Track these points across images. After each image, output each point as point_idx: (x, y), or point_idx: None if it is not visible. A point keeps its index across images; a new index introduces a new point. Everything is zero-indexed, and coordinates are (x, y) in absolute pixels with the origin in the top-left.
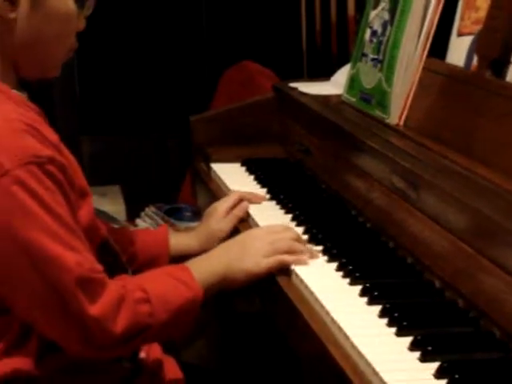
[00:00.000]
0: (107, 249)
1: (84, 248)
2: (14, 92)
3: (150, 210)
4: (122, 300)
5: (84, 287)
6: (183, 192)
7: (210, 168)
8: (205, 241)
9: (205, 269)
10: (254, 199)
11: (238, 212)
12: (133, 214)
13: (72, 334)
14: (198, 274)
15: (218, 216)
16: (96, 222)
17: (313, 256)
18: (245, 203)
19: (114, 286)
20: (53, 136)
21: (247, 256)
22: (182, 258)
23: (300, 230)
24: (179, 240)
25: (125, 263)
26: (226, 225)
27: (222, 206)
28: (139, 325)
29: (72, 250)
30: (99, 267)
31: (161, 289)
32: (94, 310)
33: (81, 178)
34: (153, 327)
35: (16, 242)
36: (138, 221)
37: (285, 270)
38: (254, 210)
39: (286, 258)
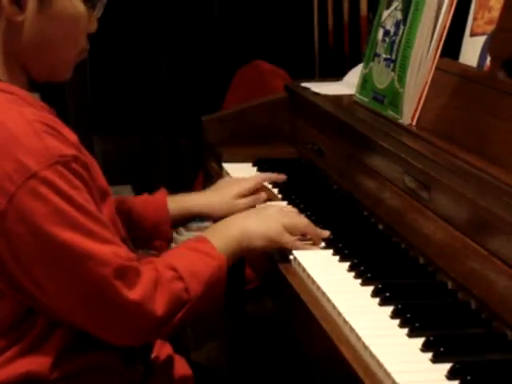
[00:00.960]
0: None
1: (116, 239)
2: (26, 93)
3: None
4: (157, 282)
5: (122, 277)
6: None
7: (221, 168)
8: (215, 207)
9: (222, 235)
10: (275, 178)
11: (253, 201)
12: None
13: (117, 324)
14: (216, 242)
15: (235, 192)
16: (117, 222)
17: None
18: (263, 195)
19: (148, 271)
20: (72, 136)
21: (265, 221)
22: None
23: None
24: (192, 202)
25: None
26: (241, 204)
27: (240, 185)
28: (178, 302)
29: (107, 243)
30: (133, 255)
31: (188, 263)
32: (134, 295)
33: (101, 178)
34: (190, 301)
35: (51, 244)
36: None
37: (297, 272)
38: None
39: (292, 243)
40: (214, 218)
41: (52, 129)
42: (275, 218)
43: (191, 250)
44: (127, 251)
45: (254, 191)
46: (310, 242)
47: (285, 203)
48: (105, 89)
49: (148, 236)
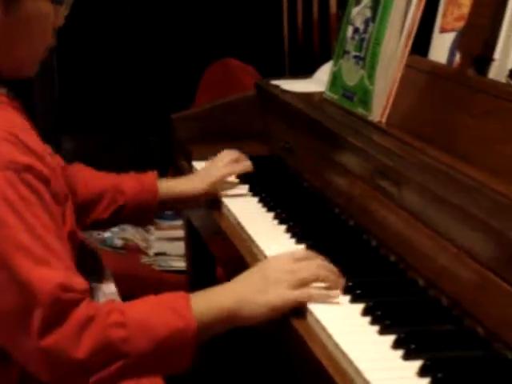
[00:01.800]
0: (84, 249)
1: (60, 263)
2: None
3: None
4: (88, 322)
5: (46, 311)
6: None
7: (191, 166)
8: (199, 181)
9: (211, 301)
10: (244, 158)
11: (240, 166)
12: None
13: (33, 360)
14: (201, 305)
15: (218, 164)
16: (76, 227)
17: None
18: (248, 162)
19: (84, 308)
20: (36, 144)
21: (269, 287)
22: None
23: (282, 228)
24: (176, 184)
25: (101, 261)
26: (224, 170)
27: (224, 158)
28: (111, 351)
29: (43, 265)
30: (76, 282)
31: (144, 313)
32: (47, 341)
33: (63, 186)
34: (130, 356)
35: None
36: None
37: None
38: (235, 206)
39: (315, 293)
40: (200, 195)
41: (13, 135)
42: (281, 277)
43: (160, 301)
44: (68, 277)
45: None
46: (325, 293)
47: (255, 200)
48: (73, 87)
49: (136, 216)
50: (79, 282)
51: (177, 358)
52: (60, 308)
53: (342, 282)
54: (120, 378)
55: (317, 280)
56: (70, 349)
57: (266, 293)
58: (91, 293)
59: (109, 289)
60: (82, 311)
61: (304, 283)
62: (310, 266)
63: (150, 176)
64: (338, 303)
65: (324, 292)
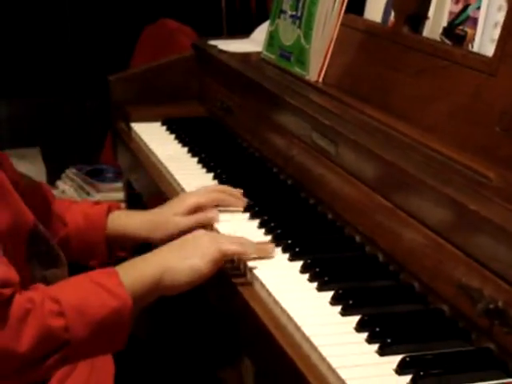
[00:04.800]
0: (38, 237)
1: None
2: None
3: (71, 171)
4: (26, 315)
5: None
6: (104, 153)
7: (130, 128)
8: (153, 228)
9: (138, 272)
10: (235, 192)
11: (203, 218)
12: (53, 175)
13: None
14: (128, 279)
15: (182, 208)
16: (21, 214)
17: (267, 252)
18: (215, 213)
19: (21, 300)
20: None
21: (190, 253)
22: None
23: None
24: (128, 222)
25: (58, 249)
26: (183, 222)
27: (191, 198)
28: (52, 341)
29: None
30: (12, 274)
31: (79, 298)
32: None
33: (12, 172)
34: (72, 344)
35: None
36: (59, 183)
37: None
38: (175, 168)
39: (229, 246)
40: (155, 241)
41: None
42: (202, 243)
43: (92, 281)
44: (1, 273)
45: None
46: (240, 248)
47: (195, 161)
48: (8, 50)
49: (82, 253)
50: (14, 273)
51: (115, 336)
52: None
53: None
54: (62, 365)
55: (235, 242)
56: (12, 346)
57: (186, 258)
58: (45, 281)
59: (63, 275)
60: (18, 305)
61: (219, 240)
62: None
63: (99, 210)
64: (277, 261)
65: (239, 246)
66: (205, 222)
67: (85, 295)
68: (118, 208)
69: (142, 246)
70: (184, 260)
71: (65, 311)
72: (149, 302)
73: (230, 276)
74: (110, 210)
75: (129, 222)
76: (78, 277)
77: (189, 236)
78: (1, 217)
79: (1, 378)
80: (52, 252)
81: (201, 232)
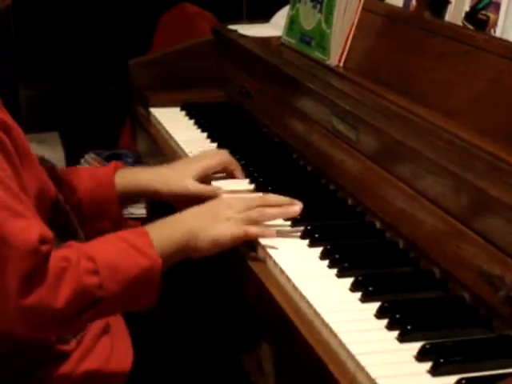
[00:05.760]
0: (58, 209)
1: (31, 214)
2: None
3: (90, 156)
4: (63, 273)
5: (24, 266)
6: (123, 138)
7: (149, 113)
8: (165, 182)
9: (167, 234)
10: (236, 165)
11: (208, 192)
12: (72, 160)
13: (9, 319)
14: (158, 240)
15: (194, 171)
16: (45, 183)
17: (289, 213)
18: (220, 191)
19: (55, 259)
20: None
21: (216, 224)
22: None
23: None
24: (139, 175)
25: (76, 224)
26: (193, 189)
27: (201, 164)
28: (87, 298)
29: (18, 217)
30: (47, 234)
31: (112, 257)
32: (29, 300)
33: (24, 141)
34: (105, 300)
35: None
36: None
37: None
38: (194, 154)
39: (253, 230)
40: (164, 196)
41: None
42: (229, 215)
43: (124, 241)
44: (41, 229)
45: (217, 171)
46: (263, 230)
47: (214, 146)
48: (30, 35)
49: (94, 216)
50: (49, 231)
51: (145, 294)
52: (38, 261)
53: (294, 211)
54: (95, 319)
55: (261, 218)
56: (50, 302)
57: (212, 229)
58: None
59: None
60: (55, 262)
61: (248, 221)
62: (259, 209)
63: (106, 169)
64: (296, 247)
65: (262, 229)
66: (211, 195)
67: (118, 254)
68: (123, 167)
69: (162, 206)
70: (209, 229)
71: (99, 269)
72: (175, 263)
73: (248, 261)
74: (116, 169)
75: (140, 175)
76: (110, 236)
77: (217, 203)
78: (30, 181)
79: (39, 331)
80: (71, 225)
81: (227, 200)
